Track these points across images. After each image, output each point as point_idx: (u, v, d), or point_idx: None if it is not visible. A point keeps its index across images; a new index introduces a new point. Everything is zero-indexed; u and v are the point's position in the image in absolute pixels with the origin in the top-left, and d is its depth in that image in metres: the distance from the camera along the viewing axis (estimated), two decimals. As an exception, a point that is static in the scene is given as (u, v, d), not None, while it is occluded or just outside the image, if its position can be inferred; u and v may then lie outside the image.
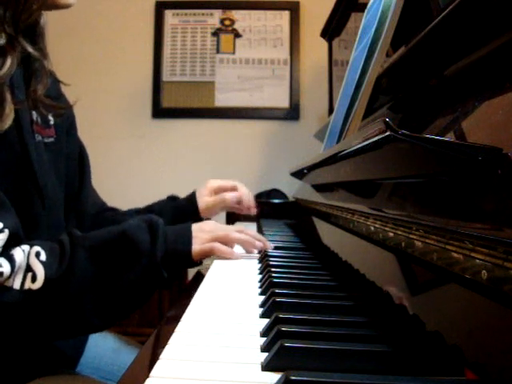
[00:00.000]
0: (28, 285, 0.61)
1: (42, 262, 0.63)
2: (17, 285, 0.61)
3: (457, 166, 0.37)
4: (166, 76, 2.37)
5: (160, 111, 2.37)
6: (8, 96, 0.67)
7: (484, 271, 0.32)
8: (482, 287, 0.33)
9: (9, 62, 0.67)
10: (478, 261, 0.33)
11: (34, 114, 0.78)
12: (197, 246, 0.76)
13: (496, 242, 0.31)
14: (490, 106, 0.42)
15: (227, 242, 0.83)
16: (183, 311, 0.51)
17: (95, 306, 0.65)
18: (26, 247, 0.63)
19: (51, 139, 0.82)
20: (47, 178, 0.78)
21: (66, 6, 0.77)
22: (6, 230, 0.62)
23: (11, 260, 0.60)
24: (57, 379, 0.73)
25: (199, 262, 0.79)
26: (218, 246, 0.79)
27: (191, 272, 2.02)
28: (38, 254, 0.63)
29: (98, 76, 2.38)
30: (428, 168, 0.43)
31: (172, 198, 1.10)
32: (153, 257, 0.68)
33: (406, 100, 0.74)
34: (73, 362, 0.87)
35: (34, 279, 0.62)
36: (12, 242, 0.63)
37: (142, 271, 0.67)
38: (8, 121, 0.67)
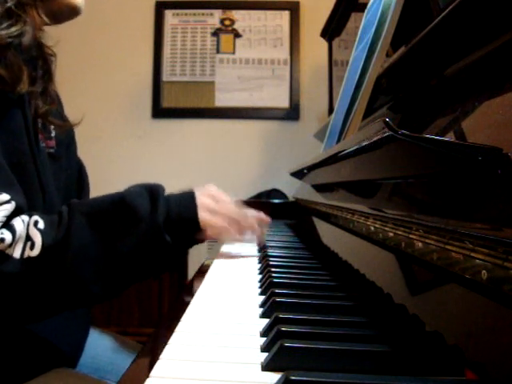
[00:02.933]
0: (27, 253, 0.61)
1: (39, 229, 0.63)
2: (17, 254, 0.61)
3: (457, 166, 0.37)
4: (165, 76, 2.37)
5: (160, 111, 2.37)
6: (24, 67, 0.70)
7: (484, 271, 0.32)
8: (482, 287, 0.33)
9: (20, 25, 0.69)
10: (477, 261, 0.33)
11: (39, 124, 0.79)
12: (207, 215, 0.74)
13: (496, 242, 0.31)
14: (490, 106, 0.42)
15: (238, 226, 0.81)
16: (183, 311, 0.51)
17: (94, 273, 0.64)
18: (25, 217, 0.64)
19: (52, 150, 0.83)
20: (48, 180, 0.79)
21: (75, 9, 0.79)
22: (13, 202, 0.62)
23: (12, 230, 0.61)
24: (56, 377, 0.73)
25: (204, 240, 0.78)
26: (231, 230, 0.78)
27: (191, 272, 2.02)
28: (36, 223, 0.63)
29: (98, 76, 2.38)
30: (428, 168, 0.43)
31: None
32: (153, 221, 0.67)
33: (405, 100, 0.74)
34: (72, 361, 0.87)
35: (32, 247, 0.62)
36: (16, 215, 0.63)
37: (142, 236, 0.66)
38: (25, 85, 0.69)
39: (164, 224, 0.68)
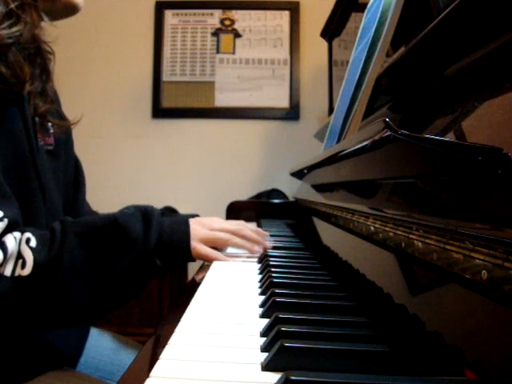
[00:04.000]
0: (18, 272, 0.61)
1: (31, 248, 0.63)
2: (8, 272, 0.61)
3: (457, 166, 0.37)
4: (166, 76, 2.37)
5: (160, 111, 2.37)
6: (25, 65, 0.70)
7: (484, 271, 0.32)
8: (482, 287, 0.33)
9: (20, 26, 0.69)
10: (477, 261, 0.33)
11: (37, 121, 0.79)
12: (199, 246, 0.76)
13: (496, 242, 0.31)
14: (490, 106, 0.42)
15: (228, 245, 0.83)
16: (183, 311, 0.51)
17: (86, 294, 0.64)
18: (17, 234, 0.63)
19: (50, 147, 0.83)
20: (47, 179, 0.79)
21: (75, 7, 0.79)
22: (6, 220, 0.62)
23: (3, 248, 0.61)
24: (57, 377, 0.73)
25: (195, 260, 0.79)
26: (220, 256, 0.80)
27: (191, 272, 2.02)
28: (28, 241, 0.63)
29: (98, 76, 2.38)
30: (428, 168, 0.43)
31: (170, 210, 1.08)
32: (145, 245, 0.68)
33: (405, 100, 0.74)
34: (72, 361, 0.87)
35: (23, 266, 0.61)
36: (9, 231, 0.63)
37: (134, 259, 0.67)
38: (28, 85, 0.70)
39: (155, 248, 0.69)
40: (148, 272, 0.69)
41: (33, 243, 0.63)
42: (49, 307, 0.63)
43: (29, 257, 0.62)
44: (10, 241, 0.62)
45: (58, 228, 0.67)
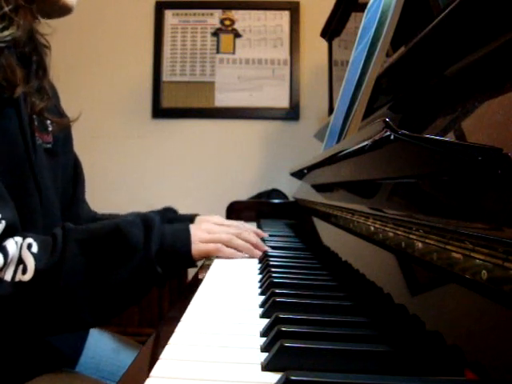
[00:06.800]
0: (19, 277, 0.61)
1: (32, 253, 0.62)
2: (8, 276, 0.60)
3: (457, 166, 0.37)
4: (166, 76, 2.37)
5: (160, 111, 2.37)
6: (17, 68, 0.69)
7: (484, 271, 0.32)
8: (482, 287, 0.33)
9: (12, 29, 0.68)
10: (477, 261, 0.33)
11: (35, 120, 0.79)
12: (199, 246, 0.76)
13: (496, 242, 0.31)
14: (490, 106, 0.42)
15: (229, 246, 0.83)
16: (183, 311, 0.51)
17: (87, 301, 0.64)
18: (18, 239, 0.63)
19: (49, 145, 0.82)
20: (44, 178, 0.78)
21: (68, 8, 0.79)
22: (3, 222, 0.61)
23: (4, 252, 0.60)
24: (56, 378, 0.73)
25: (196, 265, 0.79)
26: (223, 248, 0.80)
27: (191, 272, 2.02)
28: (29, 246, 0.63)
29: (98, 76, 2.38)
30: (428, 168, 0.43)
31: (169, 211, 1.05)
32: (147, 253, 0.68)
33: (405, 100, 0.74)
34: (72, 361, 0.87)
35: (24, 271, 0.61)
36: (7, 234, 0.62)
37: (135, 267, 0.67)
38: (20, 88, 0.70)
39: (156, 255, 0.69)
40: (149, 279, 0.69)
41: (34, 249, 0.63)
42: (49, 313, 0.63)
43: (30, 262, 0.62)
44: (11, 245, 0.61)
45: (59, 234, 0.66)
